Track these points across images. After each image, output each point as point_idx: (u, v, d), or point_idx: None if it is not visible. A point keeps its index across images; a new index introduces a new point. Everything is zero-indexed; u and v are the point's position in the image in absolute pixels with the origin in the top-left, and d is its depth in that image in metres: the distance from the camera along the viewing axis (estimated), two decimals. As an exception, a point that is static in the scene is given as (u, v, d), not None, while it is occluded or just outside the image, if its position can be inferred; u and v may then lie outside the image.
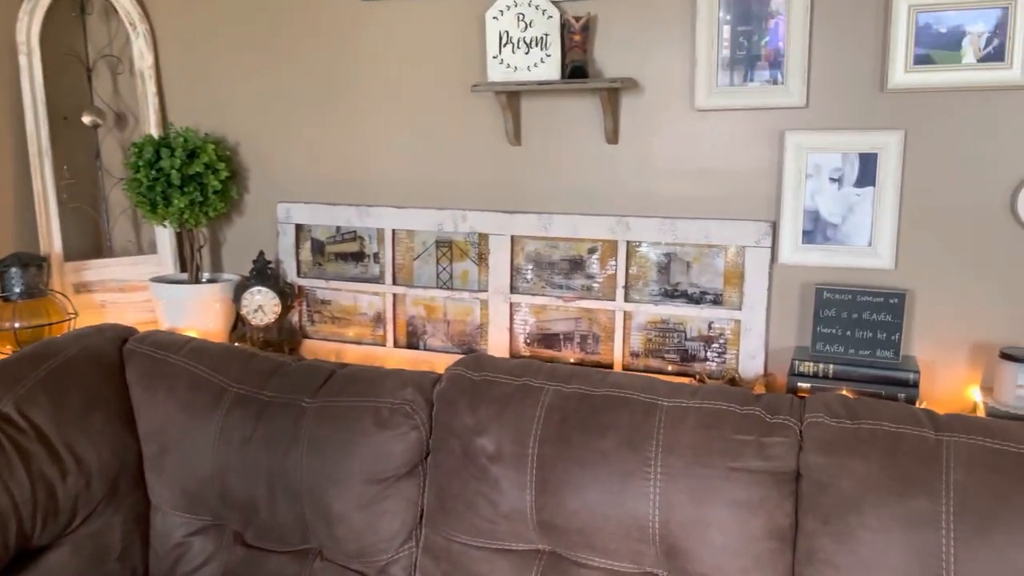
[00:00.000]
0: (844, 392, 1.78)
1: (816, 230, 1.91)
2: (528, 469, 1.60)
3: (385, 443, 1.72)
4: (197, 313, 2.33)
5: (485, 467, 1.64)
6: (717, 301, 2.04)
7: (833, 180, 1.88)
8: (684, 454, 1.52)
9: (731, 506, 1.48)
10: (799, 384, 1.83)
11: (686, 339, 2.08)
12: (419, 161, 2.28)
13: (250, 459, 1.78)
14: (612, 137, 2.05)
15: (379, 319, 2.37)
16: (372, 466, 1.71)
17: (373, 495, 1.72)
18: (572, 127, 2.12)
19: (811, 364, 1.82)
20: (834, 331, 1.86)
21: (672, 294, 2.08)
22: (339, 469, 1.72)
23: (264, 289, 2.33)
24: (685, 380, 2.00)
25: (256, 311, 2.34)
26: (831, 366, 1.81)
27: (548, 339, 2.21)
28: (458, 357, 2.24)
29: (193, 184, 2.31)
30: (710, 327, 2.05)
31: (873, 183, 1.85)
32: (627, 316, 2.11)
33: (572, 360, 2.18)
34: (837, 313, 1.86)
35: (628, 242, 2.08)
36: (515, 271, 2.21)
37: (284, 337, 2.38)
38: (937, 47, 1.75)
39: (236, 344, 2.29)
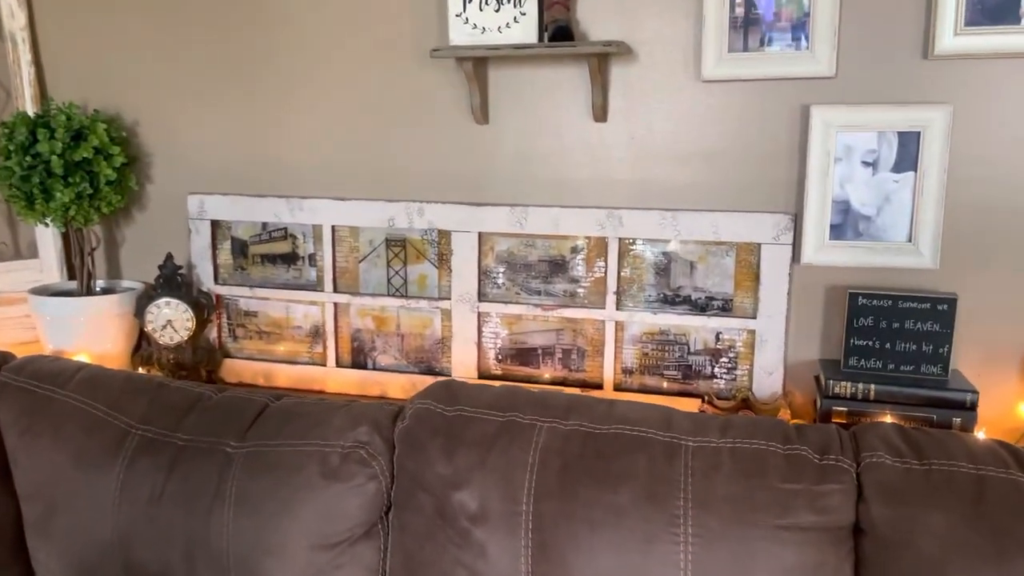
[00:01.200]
0: (889, 418, 1.56)
1: (846, 224, 1.68)
2: (522, 532, 1.34)
3: (336, 498, 1.46)
4: (90, 332, 1.98)
5: (466, 530, 1.36)
6: (726, 308, 1.80)
7: (867, 164, 1.65)
8: (720, 510, 1.27)
9: (781, 574, 1.24)
10: (834, 407, 1.61)
11: (689, 353, 1.83)
12: (364, 143, 1.97)
13: (162, 520, 1.51)
14: (600, 114, 1.78)
15: (317, 333, 2.06)
16: (320, 527, 1.45)
17: (322, 564, 1.45)
18: (552, 102, 1.83)
19: (848, 384, 1.59)
20: (870, 343, 1.64)
21: (673, 300, 1.82)
22: (277, 532, 1.45)
23: (174, 300, 1.99)
24: (691, 404, 1.76)
25: (164, 328, 2.00)
26: (872, 386, 1.58)
27: (524, 355, 1.93)
28: (414, 379, 1.95)
29: (80, 173, 1.94)
30: (718, 339, 1.81)
31: (914, 168, 1.63)
32: (619, 327, 1.85)
33: (548, 377, 1.91)
34: (875, 322, 1.63)
35: (620, 239, 1.82)
36: (483, 275, 1.93)
37: (200, 358, 2.04)
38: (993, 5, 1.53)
39: (140, 371, 1.94)
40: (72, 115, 1.96)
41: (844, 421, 1.59)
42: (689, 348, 1.83)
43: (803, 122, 1.69)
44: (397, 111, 1.93)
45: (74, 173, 1.93)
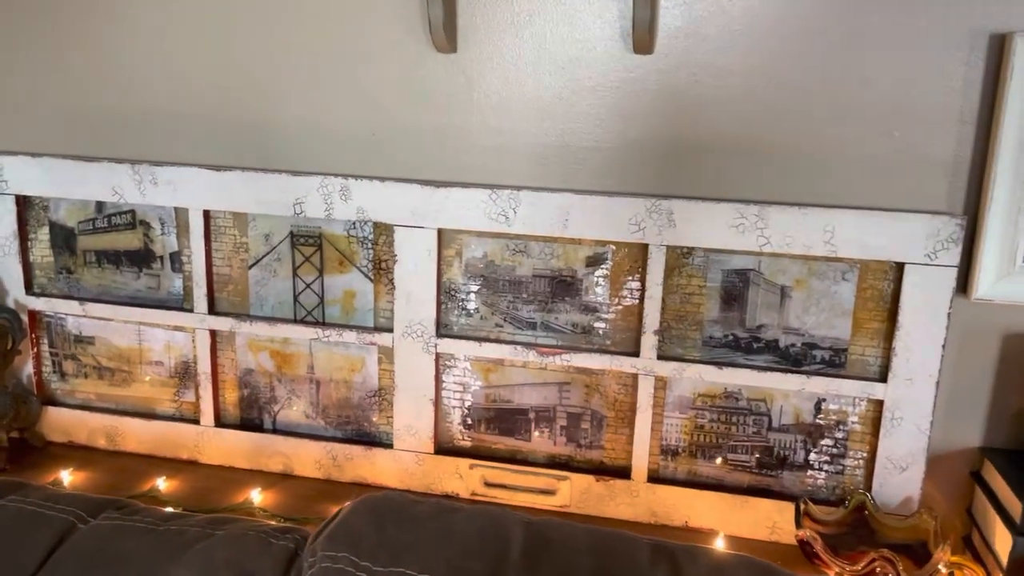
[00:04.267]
0: None
1: (1054, 236, 1.03)
2: None
3: None
4: None
5: None
6: (836, 363, 1.14)
7: (1104, 137, 1.00)
8: None
9: None
10: (1038, 554, 0.97)
11: (770, 428, 1.18)
12: (251, 80, 1.25)
13: None
14: (645, 34, 1.08)
15: (186, 374, 1.36)
16: None
17: None
18: (563, 14, 1.14)
19: (1069, 518, 0.95)
20: (1093, 440, 1.00)
21: (749, 347, 1.17)
22: None
23: (-50, 325, 1.28)
24: (772, 508, 1.11)
25: (-64, 368, 1.29)
26: (1108, 522, 0.95)
27: (507, 419, 1.27)
28: (335, 449, 1.28)
29: None
30: (819, 409, 1.16)
31: None
32: (660, 384, 1.19)
33: (543, 454, 1.25)
34: (1106, 407, 0.99)
35: (669, 248, 1.15)
36: (446, 295, 1.25)
37: (5, 411, 1.34)
38: None
39: None
40: None
41: (1056, 578, 0.96)
42: (771, 421, 1.18)
43: (990, 59, 1.02)
44: (305, 28, 1.22)
45: None
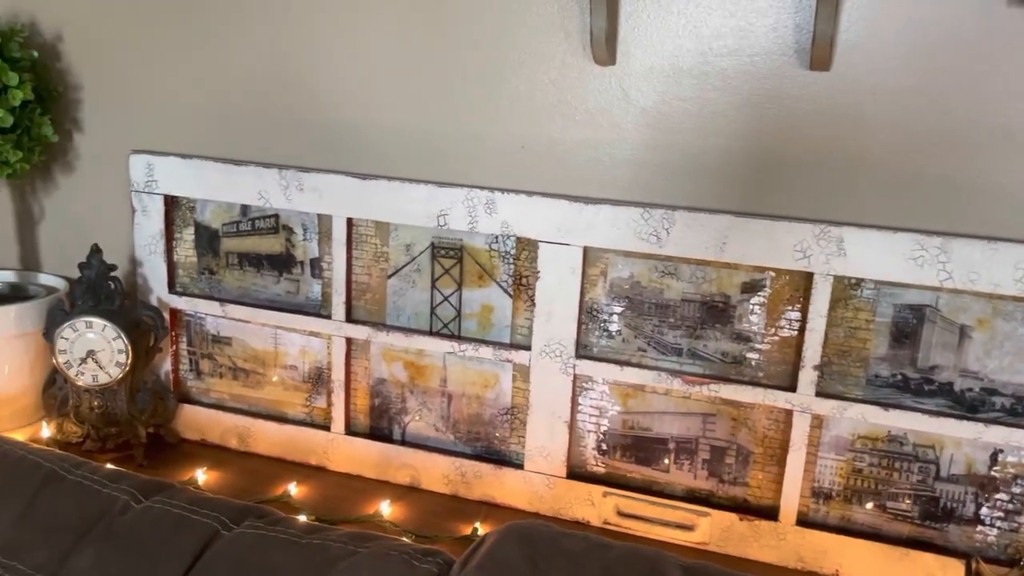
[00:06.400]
0: None
1: None
2: None
3: None
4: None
5: None
6: (1019, 411, 1.04)
7: None
8: None
9: None
10: None
11: (937, 477, 1.08)
12: (402, 90, 1.22)
13: None
14: (825, 48, 1.00)
15: (320, 379, 1.35)
16: None
17: None
18: (733, 24, 1.06)
19: None
20: None
21: (919, 389, 1.07)
22: None
23: (99, 321, 1.29)
24: (936, 565, 1.01)
25: (84, 362, 1.30)
26: None
27: (644, 447, 1.20)
28: (463, 465, 1.25)
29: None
30: (995, 460, 1.05)
31: None
32: (817, 422, 1.11)
33: (681, 487, 1.18)
34: None
35: (835, 277, 1.06)
36: (587, 315, 1.19)
37: (143, 407, 1.35)
38: None
39: (46, 429, 1.26)
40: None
41: None
42: (939, 470, 1.08)
43: None
44: (457, 37, 1.18)
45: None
